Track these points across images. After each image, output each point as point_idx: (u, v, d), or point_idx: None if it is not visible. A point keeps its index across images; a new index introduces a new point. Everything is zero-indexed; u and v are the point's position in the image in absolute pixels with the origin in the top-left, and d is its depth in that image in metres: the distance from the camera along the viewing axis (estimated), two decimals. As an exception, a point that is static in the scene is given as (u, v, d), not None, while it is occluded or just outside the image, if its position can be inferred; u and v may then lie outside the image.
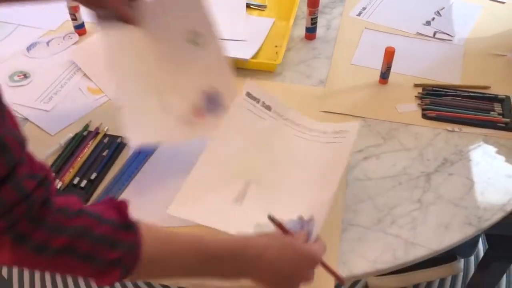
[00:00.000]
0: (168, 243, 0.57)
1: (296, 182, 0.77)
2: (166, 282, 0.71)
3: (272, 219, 0.64)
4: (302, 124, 0.84)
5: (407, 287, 1.44)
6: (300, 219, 0.71)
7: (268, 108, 0.83)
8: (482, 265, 1.25)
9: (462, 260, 1.49)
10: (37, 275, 1.48)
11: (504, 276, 1.45)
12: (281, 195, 0.76)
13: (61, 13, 1.17)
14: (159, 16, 0.83)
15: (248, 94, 0.82)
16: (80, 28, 1.14)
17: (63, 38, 1.14)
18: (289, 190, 0.76)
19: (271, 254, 0.61)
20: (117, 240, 0.52)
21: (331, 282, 0.68)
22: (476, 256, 1.51)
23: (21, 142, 0.48)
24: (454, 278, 1.46)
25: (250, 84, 0.83)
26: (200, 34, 0.86)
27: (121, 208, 0.54)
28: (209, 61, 0.86)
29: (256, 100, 0.82)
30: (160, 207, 0.74)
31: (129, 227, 0.53)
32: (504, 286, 1.44)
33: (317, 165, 0.79)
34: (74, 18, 1.12)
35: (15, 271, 1.50)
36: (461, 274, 1.47)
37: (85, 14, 1.15)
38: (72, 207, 0.52)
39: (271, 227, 0.65)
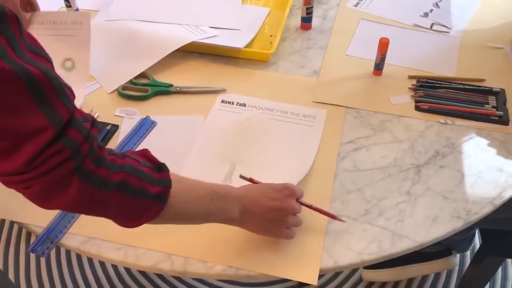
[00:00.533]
0: (184, 179, 0.65)
1: (276, 159, 0.84)
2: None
3: (243, 177, 0.73)
4: (276, 109, 0.93)
5: (401, 280, 1.44)
6: None
7: (243, 105, 0.94)
8: (475, 259, 1.24)
9: (458, 255, 1.49)
10: (33, 268, 1.49)
11: (500, 270, 1.44)
12: (264, 172, 0.81)
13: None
14: None
15: (223, 101, 0.94)
16: (74, 15, 1.13)
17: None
18: (270, 166, 0.83)
19: (252, 194, 0.69)
20: (156, 178, 0.58)
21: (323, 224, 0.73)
22: (472, 251, 1.51)
23: (70, 89, 0.53)
24: (449, 273, 1.45)
25: (223, 95, 0.95)
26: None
27: (148, 154, 0.61)
28: None
29: (231, 103, 0.94)
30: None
31: (161, 168, 0.60)
32: (500, 280, 1.43)
33: (292, 144, 0.86)
34: (68, 5, 1.12)
35: (11, 263, 1.51)
36: (457, 268, 1.46)
37: (80, 0, 1.15)
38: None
39: None
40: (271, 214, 0.68)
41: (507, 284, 1.43)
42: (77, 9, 1.13)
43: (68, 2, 1.11)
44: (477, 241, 1.51)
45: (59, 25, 0.93)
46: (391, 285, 1.43)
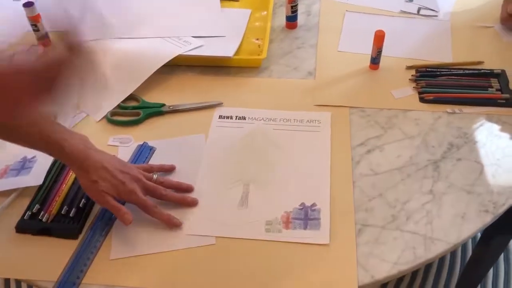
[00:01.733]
0: None
1: (290, 173, 0.79)
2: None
3: None
4: (277, 118, 0.88)
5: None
6: (302, 205, 0.74)
7: (243, 118, 0.88)
8: (483, 240, 1.24)
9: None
10: None
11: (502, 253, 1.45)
12: (280, 188, 0.77)
13: (20, 23, 1.08)
14: None
15: (220, 116, 0.89)
16: (44, 39, 1.05)
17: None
18: (286, 181, 0.78)
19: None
20: None
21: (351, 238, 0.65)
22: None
23: None
24: (453, 254, 1.46)
25: (219, 110, 0.90)
26: None
27: None
28: None
29: (229, 117, 0.88)
30: (162, 225, 0.72)
31: None
32: (503, 262, 1.44)
33: (303, 154, 0.82)
34: (36, 29, 1.04)
35: None
36: (460, 249, 1.47)
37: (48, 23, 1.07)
38: None
39: (280, 223, 0.71)
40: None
41: (510, 257, 1.44)
42: (46, 33, 1.05)
43: (36, 26, 1.03)
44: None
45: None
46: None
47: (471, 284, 1.35)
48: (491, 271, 1.41)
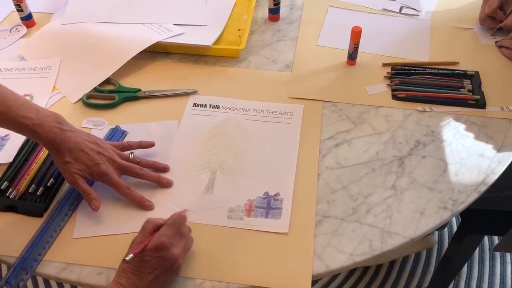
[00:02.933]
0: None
1: (257, 162, 0.81)
2: None
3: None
4: (251, 108, 0.89)
5: (383, 264, 1.45)
6: (266, 195, 0.76)
7: (217, 107, 0.89)
8: (456, 238, 1.25)
9: (436, 232, 1.51)
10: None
11: (477, 248, 1.47)
12: (246, 177, 0.78)
13: (5, 3, 1.09)
14: None
15: (194, 104, 0.90)
16: (27, 20, 1.06)
17: (10, 31, 1.06)
18: (252, 171, 0.79)
19: None
20: None
21: (311, 228, 0.66)
22: (450, 228, 1.53)
23: None
24: (429, 251, 1.47)
25: (194, 97, 0.91)
26: None
27: None
28: None
29: (203, 105, 0.90)
30: (127, 208, 0.74)
31: None
32: (477, 257, 1.46)
33: (272, 145, 0.83)
34: (20, 9, 1.04)
35: None
36: (436, 246, 1.48)
37: (32, 4, 1.08)
38: None
39: (242, 210, 0.73)
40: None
41: (484, 257, 1.46)
42: (30, 13, 1.06)
43: (20, 6, 1.03)
44: (453, 219, 1.53)
45: None
46: (373, 269, 1.44)
47: (444, 282, 1.37)
48: (465, 271, 1.43)
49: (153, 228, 0.65)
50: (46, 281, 1.43)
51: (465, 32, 1.06)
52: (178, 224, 0.65)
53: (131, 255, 0.61)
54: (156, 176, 0.77)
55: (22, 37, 1.04)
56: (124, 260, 0.61)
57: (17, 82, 0.93)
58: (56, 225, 0.71)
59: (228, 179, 0.78)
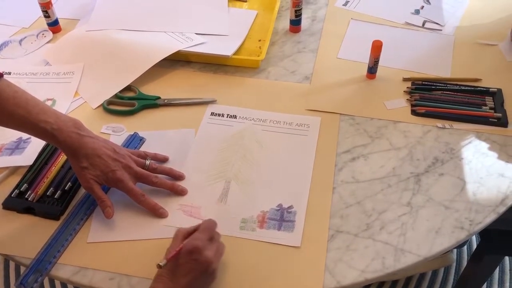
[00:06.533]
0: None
1: (272, 174, 0.81)
2: None
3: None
4: (268, 119, 0.89)
5: (399, 279, 1.43)
6: (279, 207, 0.75)
7: (234, 117, 0.90)
8: (474, 257, 1.23)
9: (455, 250, 1.48)
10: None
11: (497, 268, 1.43)
12: (260, 188, 0.78)
13: (34, 9, 1.12)
14: None
15: (212, 113, 0.90)
16: (54, 26, 1.09)
17: (37, 36, 1.09)
18: (267, 182, 0.79)
19: None
20: None
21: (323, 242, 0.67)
22: (469, 246, 1.50)
23: None
24: (447, 269, 1.45)
25: (212, 106, 0.92)
26: None
27: None
28: None
29: (220, 115, 0.90)
30: (140, 215, 0.75)
31: None
32: (497, 277, 1.43)
33: (288, 156, 0.83)
34: (47, 15, 1.07)
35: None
36: (454, 264, 1.46)
37: (59, 10, 1.10)
38: None
39: (255, 222, 0.73)
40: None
41: (504, 279, 1.43)
42: (56, 19, 1.08)
43: (47, 12, 1.06)
44: (473, 237, 1.50)
45: None
46: (389, 284, 1.42)
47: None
48: (484, 291, 1.40)
49: (184, 235, 0.66)
50: (64, 285, 1.45)
51: (489, 48, 1.04)
52: (210, 229, 0.66)
53: (165, 260, 0.62)
54: (170, 184, 0.77)
55: (48, 42, 1.07)
56: (158, 265, 0.62)
57: (41, 86, 0.95)
58: (72, 229, 0.72)
59: (242, 189, 0.78)
